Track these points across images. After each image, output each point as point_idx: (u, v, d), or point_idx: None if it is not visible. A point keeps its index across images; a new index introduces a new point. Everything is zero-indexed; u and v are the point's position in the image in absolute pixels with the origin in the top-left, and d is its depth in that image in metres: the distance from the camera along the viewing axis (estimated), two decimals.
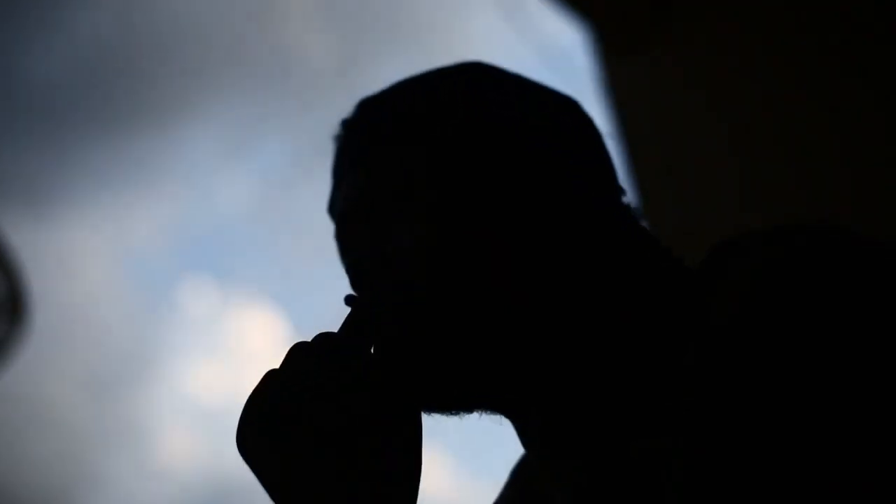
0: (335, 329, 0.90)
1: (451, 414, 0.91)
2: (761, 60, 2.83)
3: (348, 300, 0.91)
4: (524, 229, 0.90)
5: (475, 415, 0.92)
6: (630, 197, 0.96)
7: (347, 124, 0.97)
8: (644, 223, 0.95)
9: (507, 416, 0.93)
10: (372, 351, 0.90)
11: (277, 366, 0.88)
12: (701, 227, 2.69)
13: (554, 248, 0.90)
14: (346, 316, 0.91)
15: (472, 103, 0.93)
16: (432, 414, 0.91)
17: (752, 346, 0.76)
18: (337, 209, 0.96)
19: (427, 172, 0.92)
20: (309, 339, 0.88)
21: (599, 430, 0.87)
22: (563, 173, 0.91)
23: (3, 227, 3.65)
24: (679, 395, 0.80)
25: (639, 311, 0.88)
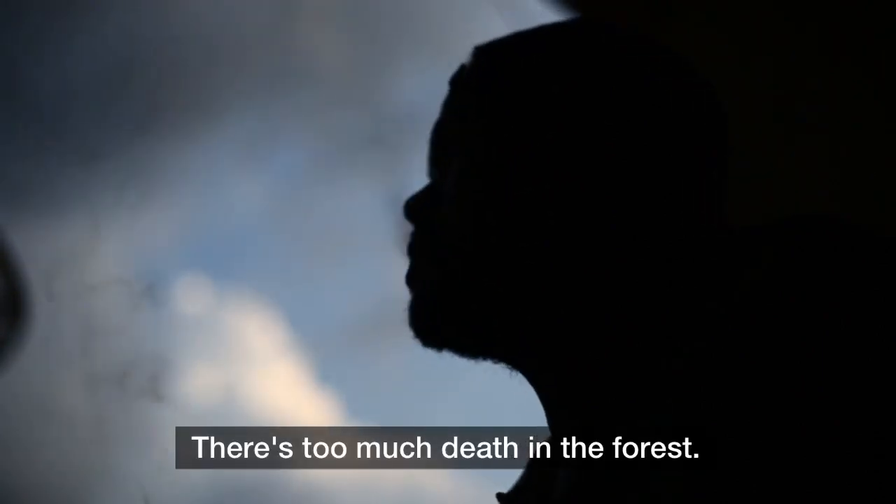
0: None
1: (463, 354, 0.92)
2: (762, 56, 2.83)
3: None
4: (555, 209, 0.89)
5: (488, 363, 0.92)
6: (721, 200, 0.95)
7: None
8: (714, 231, 0.93)
9: (530, 382, 0.93)
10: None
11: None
12: None
13: (587, 237, 0.89)
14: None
15: (554, 68, 0.92)
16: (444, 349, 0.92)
17: (753, 352, 0.76)
18: None
19: (482, 124, 0.92)
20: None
21: (595, 410, 0.87)
22: (625, 167, 0.90)
23: (3, 227, 3.65)
24: (667, 391, 0.80)
25: (646, 304, 0.88)
